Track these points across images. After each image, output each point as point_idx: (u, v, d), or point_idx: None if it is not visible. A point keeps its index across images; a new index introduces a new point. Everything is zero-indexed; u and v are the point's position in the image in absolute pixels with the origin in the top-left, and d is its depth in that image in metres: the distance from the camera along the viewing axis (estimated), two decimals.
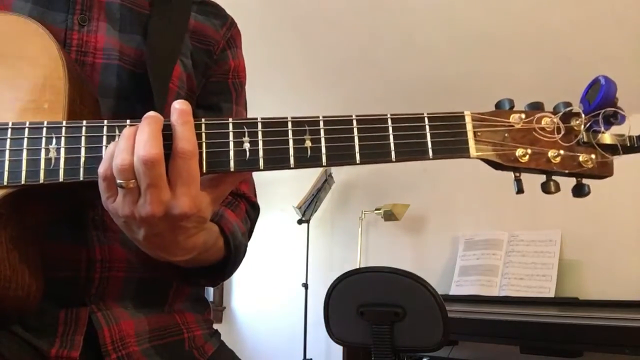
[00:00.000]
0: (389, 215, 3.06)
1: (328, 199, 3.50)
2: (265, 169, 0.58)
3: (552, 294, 2.36)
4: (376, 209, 3.13)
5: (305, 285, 3.25)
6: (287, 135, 0.58)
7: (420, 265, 3.02)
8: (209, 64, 0.82)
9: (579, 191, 0.65)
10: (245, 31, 0.90)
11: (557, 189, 0.64)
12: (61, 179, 0.56)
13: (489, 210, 2.88)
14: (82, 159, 0.57)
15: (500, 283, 2.56)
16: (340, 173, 3.50)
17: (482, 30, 2.38)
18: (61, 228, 0.65)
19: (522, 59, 2.47)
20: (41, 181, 0.56)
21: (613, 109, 0.59)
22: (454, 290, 2.71)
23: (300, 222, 3.35)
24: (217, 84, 0.84)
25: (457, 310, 2.30)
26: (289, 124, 0.59)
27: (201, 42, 0.81)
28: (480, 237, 2.77)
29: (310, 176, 3.34)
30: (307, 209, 3.32)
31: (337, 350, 2.87)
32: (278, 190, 3.67)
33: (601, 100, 0.59)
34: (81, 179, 0.56)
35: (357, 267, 3.06)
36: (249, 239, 0.81)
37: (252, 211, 0.84)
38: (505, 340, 2.16)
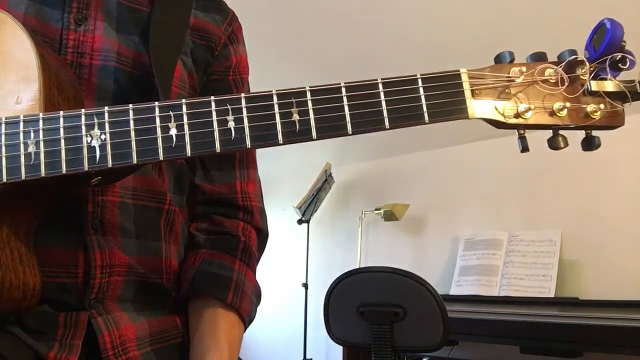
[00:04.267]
0: (389, 215, 3.06)
1: (328, 199, 3.50)
2: (253, 147, 0.56)
3: (552, 294, 2.35)
4: (376, 209, 3.13)
5: (305, 285, 3.25)
6: (273, 110, 0.56)
7: (420, 265, 3.02)
8: (210, 61, 0.80)
9: (589, 144, 0.60)
10: (244, 30, 0.87)
11: (566, 143, 0.60)
12: (43, 173, 0.54)
13: (489, 210, 2.87)
14: (63, 151, 0.54)
15: (500, 283, 2.55)
16: (340, 173, 3.50)
17: (482, 30, 2.38)
18: (60, 233, 0.64)
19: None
20: (23, 177, 0.54)
21: (620, 53, 0.56)
22: (454, 290, 2.71)
23: (300, 222, 3.34)
24: (217, 82, 0.82)
25: (457, 310, 2.29)
26: (274, 97, 0.56)
27: (202, 39, 0.79)
28: (480, 237, 2.77)
29: (310, 176, 3.34)
30: (307, 209, 3.32)
31: (337, 350, 2.87)
32: (278, 190, 3.67)
33: (607, 45, 0.55)
34: (63, 172, 0.54)
35: (357, 267, 3.06)
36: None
37: (261, 243, 0.85)
38: (505, 340, 2.16)
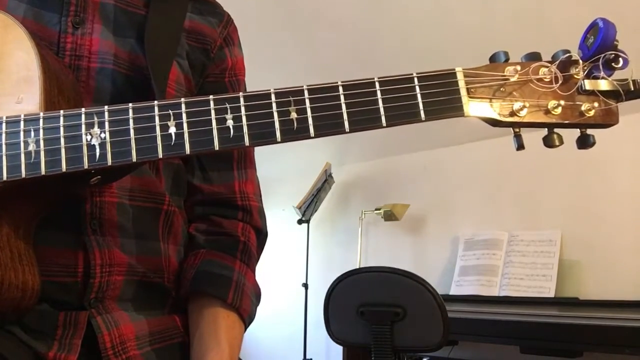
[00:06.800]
0: (389, 215, 3.05)
1: (328, 199, 3.49)
2: (252, 144, 0.56)
3: (552, 294, 2.35)
4: (376, 209, 3.13)
5: (305, 285, 3.25)
6: (271, 108, 0.57)
7: (420, 265, 3.02)
8: (206, 63, 0.81)
9: (584, 142, 0.61)
10: (243, 30, 0.88)
11: (561, 141, 0.61)
12: (43, 172, 0.55)
13: (489, 210, 2.87)
14: (63, 150, 0.55)
15: (500, 283, 2.55)
16: (340, 173, 3.50)
17: (482, 30, 2.38)
18: (59, 233, 0.64)
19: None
20: (23, 176, 0.55)
21: (614, 52, 0.56)
22: (454, 290, 2.71)
23: (300, 222, 3.34)
24: (213, 84, 0.82)
25: (457, 310, 2.29)
26: (272, 96, 0.57)
27: (198, 41, 0.80)
28: (480, 237, 2.77)
29: (310, 176, 3.34)
30: (307, 209, 3.32)
31: (337, 350, 2.87)
32: (278, 190, 3.66)
33: (600, 44, 0.56)
34: (64, 170, 0.55)
35: (357, 267, 3.06)
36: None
37: (260, 243, 0.86)
38: (505, 340, 2.16)
